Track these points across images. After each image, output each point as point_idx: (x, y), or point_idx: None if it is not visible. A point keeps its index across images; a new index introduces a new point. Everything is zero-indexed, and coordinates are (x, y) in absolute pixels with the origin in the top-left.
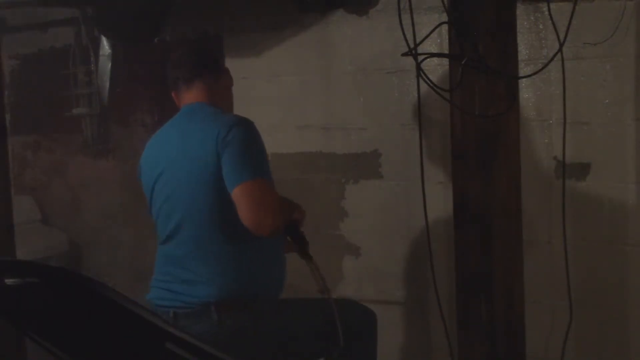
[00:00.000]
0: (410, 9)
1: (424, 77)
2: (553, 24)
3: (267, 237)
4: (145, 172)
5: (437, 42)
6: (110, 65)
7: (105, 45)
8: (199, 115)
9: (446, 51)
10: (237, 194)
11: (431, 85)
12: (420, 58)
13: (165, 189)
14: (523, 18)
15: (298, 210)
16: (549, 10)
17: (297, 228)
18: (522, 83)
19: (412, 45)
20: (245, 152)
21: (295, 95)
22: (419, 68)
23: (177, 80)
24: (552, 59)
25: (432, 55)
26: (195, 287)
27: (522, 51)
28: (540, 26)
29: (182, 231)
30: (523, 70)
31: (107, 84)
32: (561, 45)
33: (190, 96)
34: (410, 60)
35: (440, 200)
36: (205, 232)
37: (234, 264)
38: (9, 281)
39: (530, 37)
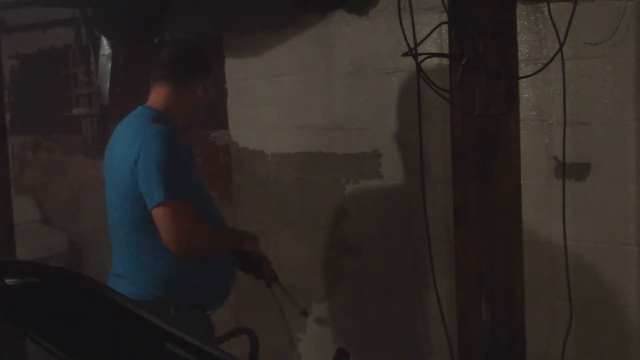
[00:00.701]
0: (411, 9)
1: (424, 77)
2: (553, 24)
3: (185, 258)
4: (104, 169)
5: (437, 42)
6: (110, 65)
7: (105, 45)
8: (132, 124)
9: (446, 51)
10: (154, 215)
11: (431, 85)
12: (420, 58)
13: (110, 189)
14: (523, 18)
15: (249, 241)
16: (549, 10)
17: (247, 259)
18: (522, 83)
19: (412, 45)
20: (153, 173)
21: (295, 95)
22: (419, 68)
23: (151, 76)
24: (552, 59)
25: (432, 55)
26: (121, 281)
27: (522, 51)
28: (540, 26)
29: (115, 229)
30: (523, 70)
31: (107, 84)
32: (561, 45)
33: (150, 97)
34: (410, 60)
35: (440, 200)
36: (131, 238)
37: (159, 269)
38: (9, 281)
39: (530, 37)
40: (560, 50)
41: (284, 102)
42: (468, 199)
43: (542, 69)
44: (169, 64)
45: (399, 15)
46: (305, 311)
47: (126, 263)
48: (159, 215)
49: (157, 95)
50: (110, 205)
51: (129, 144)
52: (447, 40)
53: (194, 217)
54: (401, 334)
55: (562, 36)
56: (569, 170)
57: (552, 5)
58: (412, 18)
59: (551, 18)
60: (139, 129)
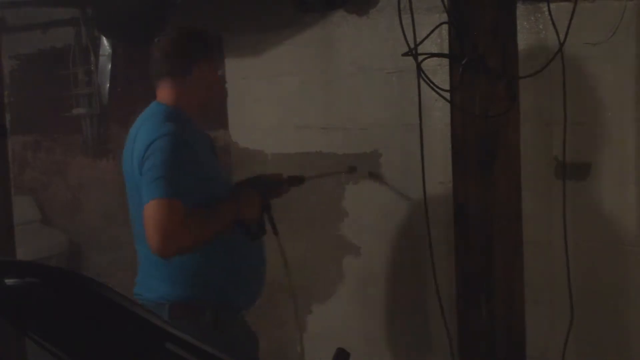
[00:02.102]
0: (411, 9)
1: (424, 77)
2: (553, 24)
3: (162, 258)
4: (123, 166)
5: (437, 42)
6: (110, 65)
7: (105, 45)
8: (147, 122)
9: (446, 51)
10: (143, 212)
11: (431, 85)
12: (420, 58)
13: (128, 186)
14: (523, 18)
15: (246, 205)
16: (549, 10)
17: (255, 224)
18: (522, 83)
19: (412, 45)
20: (157, 168)
21: (295, 95)
22: (419, 68)
23: (150, 75)
24: (552, 59)
25: (432, 55)
26: (152, 281)
27: (522, 51)
28: (540, 26)
29: (137, 231)
30: (523, 70)
31: (107, 84)
32: (561, 45)
33: (157, 92)
34: (410, 60)
35: (440, 200)
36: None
37: (189, 269)
38: (9, 281)
39: (530, 37)
40: (560, 50)
41: (284, 102)
42: (468, 199)
43: (542, 69)
44: (164, 58)
45: (399, 15)
46: (352, 169)
47: (152, 264)
48: (147, 212)
49: (166, 91)
50: (130, 204)
51: (141, 143)
52: (447, 40)
53: (181, 216)
54: (401, 333)
55: (562, 36)
56: (569, 170)
57: (552, 5)
58: (412, 18)
59: (551, 18)
60: (151, 128)
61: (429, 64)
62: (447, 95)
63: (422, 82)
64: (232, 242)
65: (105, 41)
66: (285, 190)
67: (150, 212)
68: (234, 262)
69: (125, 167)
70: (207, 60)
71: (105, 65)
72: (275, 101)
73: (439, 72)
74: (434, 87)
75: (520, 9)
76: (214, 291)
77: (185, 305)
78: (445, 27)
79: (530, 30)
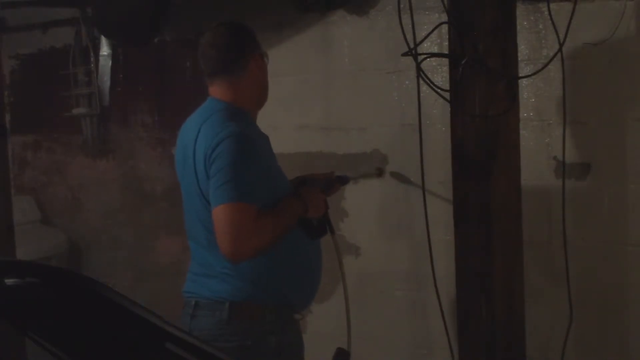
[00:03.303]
0: (411, 9)
1: (424, 77)
2: (553, 24)
3: (233, 264)
4: (176, 165)
5: (437, 42)
6: (110, 65)
7: (105, 45)
8: (206, 115)
9: (446, 51)
10: (213, 215)
11: (431, 85)
12: (420, 58)
13: (184, 184)
14: (523, 18)
15: (310, 204)
16: (549, 10)
17: (316, 223)
18: (522, 83)
19: (412, 45)
20: (226, 171)
21: (295, 95)
22: (419, 68)
23: (203, 70)
24: (552, 59)
25: (432, 55)
26: (210, 281)
27: (522, 51)
28: (540, 26)
29: (196, 229)
30: (523, 70)
31: (107, 84)
32: (561, 45)
33: (212, 89)
34: (410, 60)
35: (440, 200)
36: (214, 236)
37: (252, 268)
38: (9, 281)
39: (530, 37)
40: (560, 50)
41: (284, 102)
42: (468, 199)
43: (542, 68)
44: (221, 53)
45: (399, 15)
46: (381, 171)
47: (212, 263)
48: (218, 216)
49: (222, 87)
50: (186, 203)
51: (205, 143)
52: (447, 40)
53: (253, 220)
54: (401, 333)
55: (562, 36)
56: (569, 170)
57: (552, 5)
58: (412, 18)
59: (551, 18)
60: (215, 127)
61: (428, 64)
62: (447, 95)
63: (422, 82)
64: (294, 242)
65: (105, 41)
66: (336, 188)
67: (221, 216)
68: (295, 262)
69: (180, 168)
70: (261, 55)
71: (105, 65)
72: (275, 101)
73: (439, 72)
74: (434, 87)
75: (520, 9)
76: (275, 291)
77: (246, 306)
78: (445, 27)
79: (530, 30)
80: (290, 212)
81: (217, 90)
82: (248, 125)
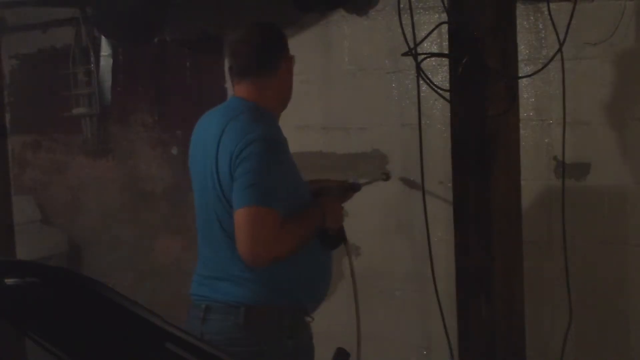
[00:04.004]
0: (411, 9)
1: (424, 77)
2: (553, 24)
3: (254, 267)
4: (191, 162)
5: (437, 42)
6: (110, 65)
7: (105, 45)
8: (232, 114)
9: (446, 51)
10: (235, 217)
11: (431, 85)
12: (420, 58)
13: (200, 184)
14: (523, 18)
15: (329, 213)
16: (549, 10)
17: (333, 235)
18: (522, 83)
19: (412, 45)
20: (254, 174)
21: (295, 95)
22: (419, 68)
23: (231, 68)
24: (552, 59)
25: (432, 55)
26: (222, 283)
27: (522, 51)
28: (540, 26)
29: (210, 230)
30: (523, 70)
31: (107, 84)
32: (561, 45)
33: (238, 88)
34: (410, 60)
35: (440, 200)
36: (231, 238)
37: (269, 273)
38: (9, 281)
39: (530, 37)
40: (560, 50)
41: None
42: (468, 199)
43: (542, 68)
44: (253, 52)
45: (399, 15)
46: (387, 174)
47: (227, 267)
48: (241, 218)
49: (250, 87)
50: (199, 202)
51: (231, 144)
52: (447, 40)
53: (276, 226)
54: (401, 333)
55: (562, 36)
56: (569, 170)
57: (552, 5)
58: (412, 18)
59: (551, 18)
60: (241, 128)
61: (428, 64)
62: (447, 95)
63: (421, 82)
64: (311, 246)
65: (105, 41)
66: (350, 197)
67: (243, 219)
68: (311, 266)
69: (196, 165)
70: (291, 57)
71: (106, 65)
72: None
73: (439, 72)
74: (434, 87)
75: (520, 9)
76: (291, 295)
77: (261, 310)
78: (445, 27)
79: (530, 30)
80: (311, 222)
81: (243, 90)
82: (275, 128)
